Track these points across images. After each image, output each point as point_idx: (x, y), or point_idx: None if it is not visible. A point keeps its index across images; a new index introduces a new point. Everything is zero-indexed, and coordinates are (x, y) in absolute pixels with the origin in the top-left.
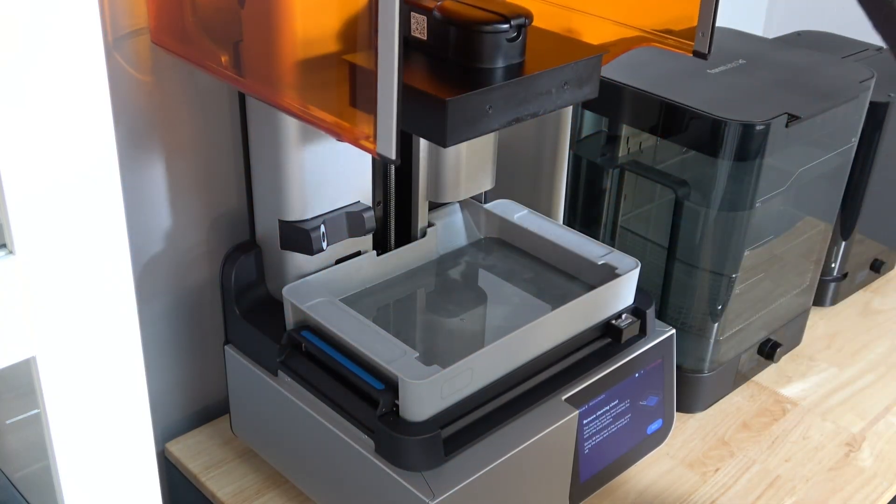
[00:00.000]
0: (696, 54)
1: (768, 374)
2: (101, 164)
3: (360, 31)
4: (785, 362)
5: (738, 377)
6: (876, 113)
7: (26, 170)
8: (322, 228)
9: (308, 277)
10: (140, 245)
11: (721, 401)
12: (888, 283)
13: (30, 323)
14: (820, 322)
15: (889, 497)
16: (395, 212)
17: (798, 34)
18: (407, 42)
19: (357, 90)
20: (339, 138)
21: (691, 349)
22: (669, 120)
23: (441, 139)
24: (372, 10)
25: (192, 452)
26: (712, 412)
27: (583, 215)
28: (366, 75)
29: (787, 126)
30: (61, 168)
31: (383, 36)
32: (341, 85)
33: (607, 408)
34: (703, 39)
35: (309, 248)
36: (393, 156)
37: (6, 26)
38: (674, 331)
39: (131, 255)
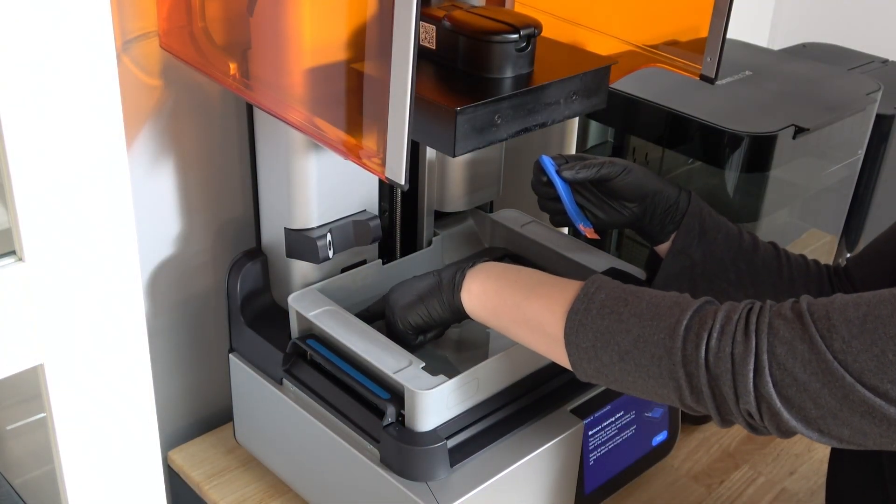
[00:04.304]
0: (703, 78)
1: None
2: (112, 171)
3: (370, 44)
4: None
5: None
6: (882, 125)
7: (35, 176)
8: (328, 237)
9: (314, 286)
10: (144, 251)
11: None
12: None
13: (38, 330)
14: None
15: None
16: (401, 221)
17: (804, 46)
18: None
19: (366, 105)
20: (346, 157)
21: None
22: (676, 131)
23: (449, 149)
24: (385, 31)
25: (195, 461)
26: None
27: None
28: (376, 91)
29: (794, 137)
30: (71, 175)
31: (397, 55)
32: (350, 98)
33: (613, 419)
34: (710, 64)
35: (315, 256)
36: (402, 180)
37: (18, 34)
38: None
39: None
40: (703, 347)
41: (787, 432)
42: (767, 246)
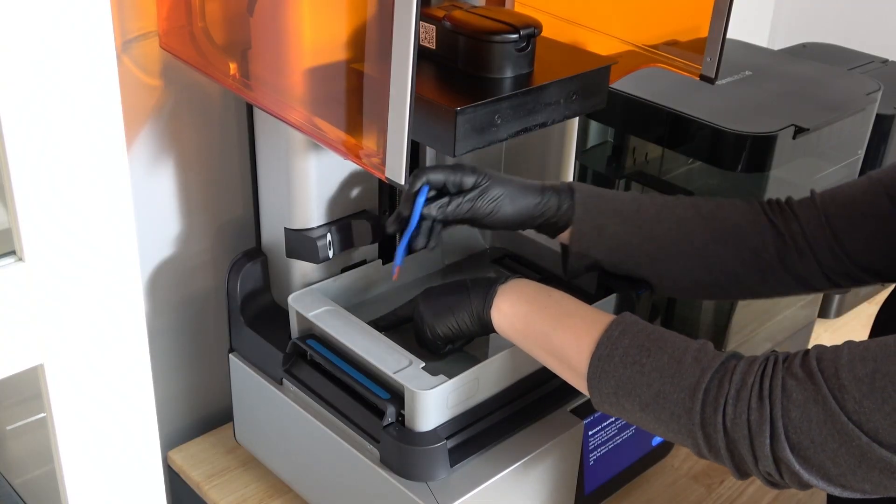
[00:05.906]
0: (703, 78)
1: None
2: (112, 171)
3: (370, 44)
4: None
5: None
6: (882, 125)
7: (35, 176)
8: (328, 237)
9: (314, 286)
10: (144, 251)
11: None
12: None
13: (38, 330)
14: (824, 334)
15: None
16: None
17: (804, 46)
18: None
19: (366, 105)
20: (346, 157)
21: None
22: (676, 131)
23: (449, 149)
24: (385, 31)
25: (195, 461)
26: None
27: None
28: (376, 91)
29: (794, 137)
30: (71, 175)
31: (397, 55)
32: (350, 98)
33: (612, 419)
34: (710, 64)
35: (315, 256)
36: (402, 180)
37: (18, 34)
38: None
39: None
40: (721, 412)
41: (808, 487)
42: (676, 210)
